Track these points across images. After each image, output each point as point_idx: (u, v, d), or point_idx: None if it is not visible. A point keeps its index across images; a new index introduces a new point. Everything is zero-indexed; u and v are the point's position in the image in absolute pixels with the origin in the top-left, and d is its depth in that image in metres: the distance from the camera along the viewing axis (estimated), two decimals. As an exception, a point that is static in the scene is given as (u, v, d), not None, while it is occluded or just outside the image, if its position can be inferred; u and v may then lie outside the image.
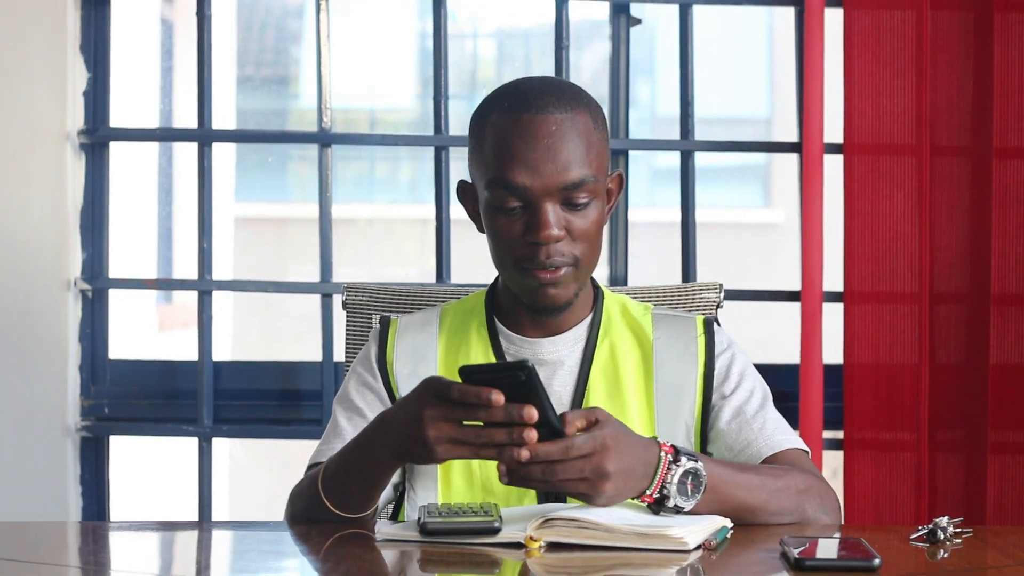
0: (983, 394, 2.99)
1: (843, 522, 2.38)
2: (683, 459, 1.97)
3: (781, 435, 2.21)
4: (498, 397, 1.89)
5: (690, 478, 1.97)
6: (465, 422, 1.92)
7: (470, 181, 2.26)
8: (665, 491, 1.96)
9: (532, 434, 1.90)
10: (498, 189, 2.15)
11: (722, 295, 2.49)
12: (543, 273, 2.16)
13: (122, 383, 3.30)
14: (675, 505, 1.97)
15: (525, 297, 2.20)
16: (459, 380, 1.93)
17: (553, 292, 2.17)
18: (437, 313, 2.32)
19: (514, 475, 1.92)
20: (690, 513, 1.98)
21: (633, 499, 1.97)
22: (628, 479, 1.94)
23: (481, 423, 1.92)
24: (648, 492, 1.96)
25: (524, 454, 1.89)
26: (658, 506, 1.97)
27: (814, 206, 3.08)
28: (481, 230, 2.23)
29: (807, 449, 2.23)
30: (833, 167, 3.11)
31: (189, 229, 3.60)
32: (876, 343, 3.08)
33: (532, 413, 1.89)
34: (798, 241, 3.11)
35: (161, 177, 4.79)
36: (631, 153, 3.30)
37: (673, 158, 3.27)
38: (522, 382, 1.89)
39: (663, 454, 1.97)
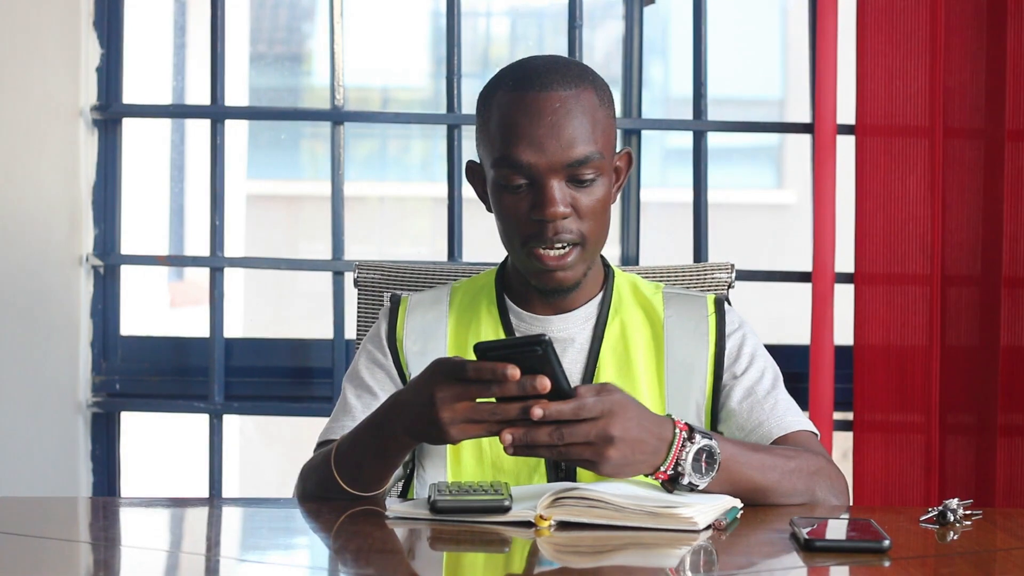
0: (993, 377, 2.99)
1: (852, 503, 2.38)
2: (697, 437, 1.98)
3: (792, 416, 2.22)
4: (514, 371, 1.89)
5: (704, 456, 1.98)
6: (478, 399, 1.93)
7: (479, 161, 2.26)
8: (680, 468, 1.97)
9: (543, 401, 1.90)
10: (504, 167, 2.16)
11: (734, 275, 2.50)
12: (550, 258, 2.16)
13: (133, 359, 3.31)
14: (689, 483, 1.97)
15: (533, 279, 2.20)
16: (471, 357, 1.93)
17: (561, 275, 2.18)
18: (447, 291, 2.32)
19: (519, 442, 1.92)
20: (703, 491, 1.99)
21: (646, 476, 1.97)
22: (636, 449, 1.94)
23: (494, 399, 1.92)
24: (662, 469, 1.97)
25: (537, 412, 1.89)
26: (672, 483, 1.98)
27: (826, 187, 3.08)
28: (490, 210, 2.23)
29: (817, 432, 2.23)
30: (845, 148, 3.10)
31: (201, 206, 3.60)
32: (887, 325, 3.07)
33: (545, 383, 1.90)
34: (810, 222, 3.10)
35: (173, 154, 4.79)
36: (644, 133, 3.30)
37: (686, 138, 3.27)
38: (539, 356, 1.89)
39: (678, 431, 1.97)
